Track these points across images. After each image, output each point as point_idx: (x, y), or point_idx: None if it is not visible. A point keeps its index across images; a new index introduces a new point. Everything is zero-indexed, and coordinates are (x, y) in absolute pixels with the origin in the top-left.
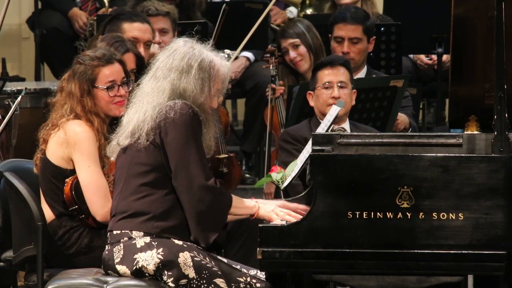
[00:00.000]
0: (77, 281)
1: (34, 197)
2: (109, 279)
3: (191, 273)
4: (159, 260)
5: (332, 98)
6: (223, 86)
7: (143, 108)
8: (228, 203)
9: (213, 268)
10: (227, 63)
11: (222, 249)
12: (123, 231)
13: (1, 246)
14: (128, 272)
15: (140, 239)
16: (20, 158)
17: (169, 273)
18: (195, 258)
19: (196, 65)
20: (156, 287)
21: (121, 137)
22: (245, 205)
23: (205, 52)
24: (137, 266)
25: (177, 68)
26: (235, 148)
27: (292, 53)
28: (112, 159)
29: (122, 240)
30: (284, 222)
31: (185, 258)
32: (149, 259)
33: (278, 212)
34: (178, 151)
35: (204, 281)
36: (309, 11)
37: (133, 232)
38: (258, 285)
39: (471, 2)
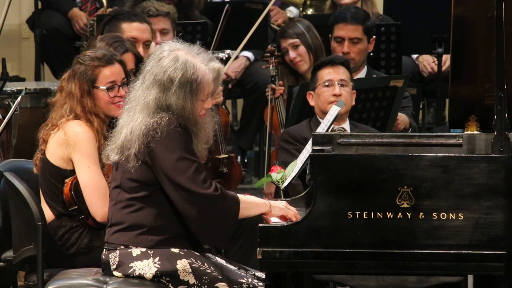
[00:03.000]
0: (77, 281)
1: (34, 197)
2: (109, 279)
3: (191, 279)
4: (156, 269)
5: (334, 96)
6: (214, 87)
7: (130, 124)
8: (235, 206)
9: (213, 273)
10: (214, 67)
11: (222, 249)
12: (119, 243)
13: (1, 246)
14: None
15: (136, 249)
16: (20, 158)
17: (167, 278)
18: (193, 265)
19: (176, 81)
20: (156, 287)
21: (112, 147)
22: (255, 204)
23: (190, 60)
24: (134, 274)
25: (159, 83)
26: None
27: (292, 53)
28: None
29: (118, 248)
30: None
31: (183, 265)
32: (146, 268)
33: (292, 209)
34: (172, 169)
35: (206, 286)
36: (309, 11)
37: (129, 245)
38: (260, 284)
39: (471, 2)
